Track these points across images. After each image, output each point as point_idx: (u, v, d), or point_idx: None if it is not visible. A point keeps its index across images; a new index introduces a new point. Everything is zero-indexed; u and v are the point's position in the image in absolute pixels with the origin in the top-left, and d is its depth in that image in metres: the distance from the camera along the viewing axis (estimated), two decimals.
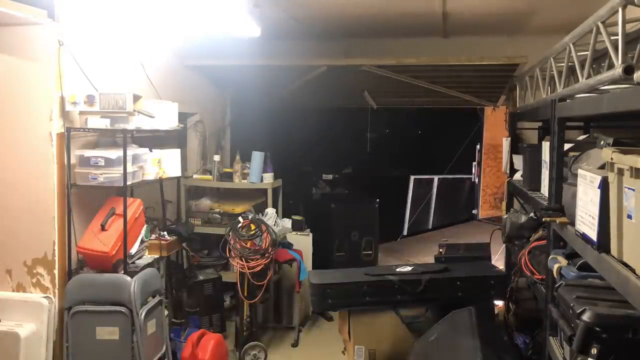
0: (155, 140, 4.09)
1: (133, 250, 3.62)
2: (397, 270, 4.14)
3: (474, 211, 10.21)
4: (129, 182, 3.46)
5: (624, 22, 1.82)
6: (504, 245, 4.71)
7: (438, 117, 8.08)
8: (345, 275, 4.17)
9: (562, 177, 2.78)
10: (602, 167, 1.96)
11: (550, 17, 4.60)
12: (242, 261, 4.28)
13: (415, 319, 3.94)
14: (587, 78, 2.34)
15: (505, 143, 4.99)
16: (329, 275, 4.21)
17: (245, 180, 5.16)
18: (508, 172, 4.85)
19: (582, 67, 2.41)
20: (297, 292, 4.97)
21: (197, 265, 4.85)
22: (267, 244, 4.36)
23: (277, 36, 5.36)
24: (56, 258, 3.40)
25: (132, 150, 3.59)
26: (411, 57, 4.95)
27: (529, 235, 3.65)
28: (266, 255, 4.34)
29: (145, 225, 3.78)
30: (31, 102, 3.36)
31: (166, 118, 3.98)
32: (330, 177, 7.21)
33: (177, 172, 4.17)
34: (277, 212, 5.15)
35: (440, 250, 4.99)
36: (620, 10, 1.83)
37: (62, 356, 3.39)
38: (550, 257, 2.74)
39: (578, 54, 2.55)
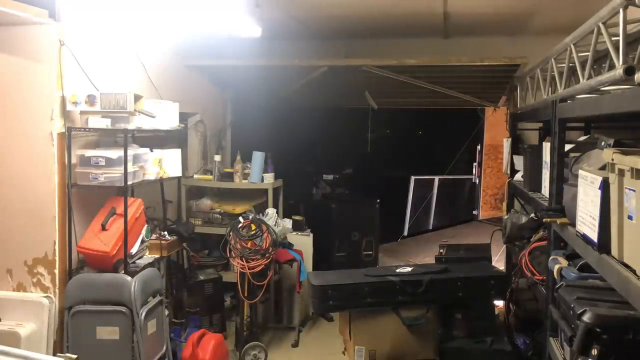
0: (155, 140, 4.09)
1: (133, 250, 3.61)
2: (398, 270, 4.14)
3: (475, 212, 10.23)
4: (129, 182, 3.46)
5: (625, 22, 1.82)
6: (505, 246, 4.71)
7: (439, 117, 8.08)
8: (345, 276, 4.17)
9: (563, 178, 2.77)
10: (603, 168, 1.96)
11: (550, 17, 4.60)
12: (243, 261, 4.28)
13: (416, 320, 3.94)
14: (587, 79, 2.34)
15: (506, 144, 4.98)
16: (329, 276, 4.20)
17: (246, 181, 5.16)
18: (508, 172, 4.85)
19: (583, 67, 2.41)
20: (298, 292, 4.97)
21: (198, 265, 4.84)
22: (267, 244, 4.36)
23: (278, 36, 5.36)
24: (57, 258, 3.40)
25: (133, 150, 3.58)
26: (412, 57, 4.95)
27: (530, 236, 3.65)
28: (266, 255, 4.33)
29: (146, 225, 3.78)
30: (32, 102, 3.36)
31: (167, 118, 3.98)
32: (330, 177, 7.19)
33: (177, 172, 4.17)
34: (277, 212, 5.14)
35: (441, 250, 4.98)
36: (621, 11, 1.83)
37: None
38: (551, 257, 2.74)
39: (579, 54, 2.55)
